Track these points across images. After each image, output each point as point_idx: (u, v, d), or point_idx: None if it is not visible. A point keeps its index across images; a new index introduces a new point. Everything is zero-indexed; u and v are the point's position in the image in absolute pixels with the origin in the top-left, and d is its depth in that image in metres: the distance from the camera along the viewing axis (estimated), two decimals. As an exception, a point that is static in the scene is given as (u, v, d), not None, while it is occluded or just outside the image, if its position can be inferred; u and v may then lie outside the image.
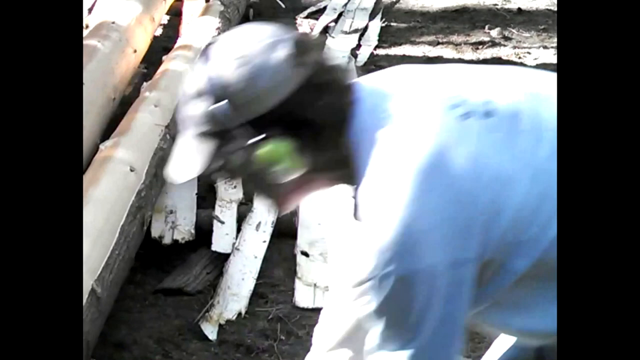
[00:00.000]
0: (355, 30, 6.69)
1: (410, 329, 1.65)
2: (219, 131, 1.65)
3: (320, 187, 1.84)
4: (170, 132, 3.79)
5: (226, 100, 1.62)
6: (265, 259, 3.37)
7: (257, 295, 3.21)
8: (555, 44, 6.37)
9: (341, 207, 1.90)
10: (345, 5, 7.51)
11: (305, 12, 7.46)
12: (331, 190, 1.88)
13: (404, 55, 6.18)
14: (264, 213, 3.62)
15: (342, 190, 1.82)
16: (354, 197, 1.74)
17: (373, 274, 1.60)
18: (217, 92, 1.62)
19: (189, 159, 1.73)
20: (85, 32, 5.29)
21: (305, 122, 1.64)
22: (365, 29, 6.78)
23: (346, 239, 2.00)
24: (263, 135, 1.61)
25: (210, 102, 1.63)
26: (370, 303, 1.64)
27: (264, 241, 3.47)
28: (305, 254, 3.34)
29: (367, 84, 1.76)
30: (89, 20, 6.31)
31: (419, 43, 6.53)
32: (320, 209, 2.09)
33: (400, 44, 6.47)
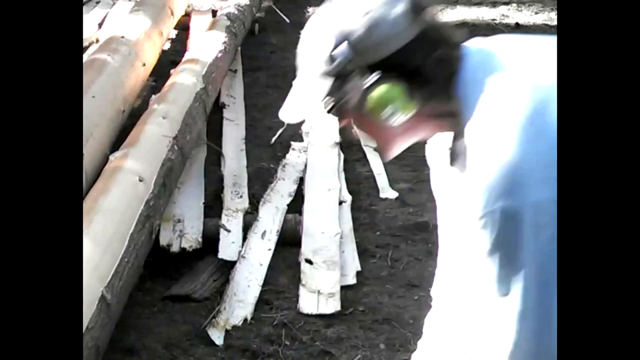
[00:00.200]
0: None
1: (519, 267, 1.75)
2: (338, 73, 1.80)
3: (425, 134, 1.97)
4: (178, 143, 3.81)
5: (347, 44, 1.77)
6: (270, 267, 3.39)
7: (262, 302, 3.22)
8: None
9: (441, 158, 1.98)
10: (348, 20, 7.57)
11: (309, 27, 7.51)
12: (434, 139, 2.04)
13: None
14: (269, 222, 3.65)
15: (442, 140, 1.97)
16: (454, 147, 1.90)
17: (483, 211, 1.71)
18: (340, 37, 1.78)
19: (305, 100, 1.94)
20: (95, 47, 5.33)
21: (416, 71, 1.77)
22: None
23: (448, 191, 2.07)
24: (377, 78, 1.76)
25: (332, 45, 1.79)
26: (482, 244, 1.76)
27: (269, 249, 3.48)
28: (309, 261, 3.35)
29: (474, 43, 1.90)
30: (99, 35, 6.38)
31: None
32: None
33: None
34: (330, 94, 1.86)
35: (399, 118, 1.81)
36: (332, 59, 1.81)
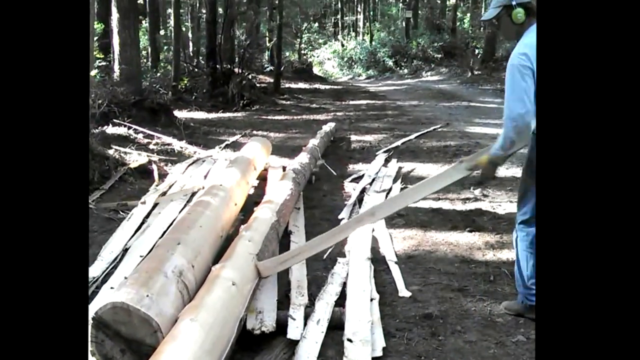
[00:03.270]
0: (384, 190, 6.80)
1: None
2: (505, 5, 3.62)
3: (515, 35, 3.65)
4: (259, 258, 3.88)
5: None
6: (323, 344, 3.40)
7: (317, 368, 3.24)
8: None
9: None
10: (377, 173, 7.69)
11: (350, 178, 7.65)
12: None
13: (416, 207, 6.26)
14: (322, 313, 3.66)
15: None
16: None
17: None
18: None
19: (491, 14, 3.69)
20: (202, 192, 5.47)
21: (528, 9, 3.58)
22: (390, 189, 6.89)
23: None
24: (519, 7, 3.59)
25: None
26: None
27: (322, 332, 3.49)
28: (350, 340, 3.33)
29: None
30: (205, 183, 6.53)
31: (426, 198, 6.59)
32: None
33: (414, 199, 6.55)
34: (500, 11, 3.63)
35: (518, 22, 3.58)
36: (504, 1, 3.63)
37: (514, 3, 3.54)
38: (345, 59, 37.01)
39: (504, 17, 3.63)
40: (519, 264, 3.71)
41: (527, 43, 3.42)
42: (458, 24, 33.10)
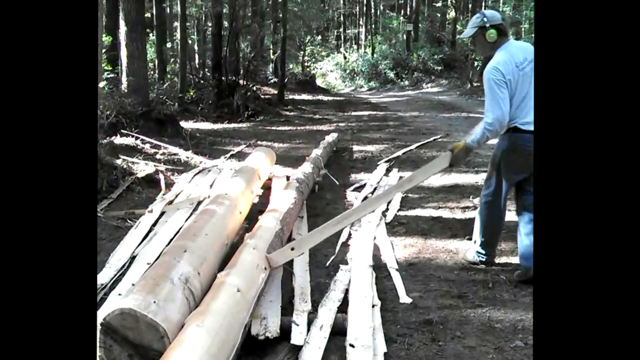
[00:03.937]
0: (385, 199, 6.78)
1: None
2: (480, 26, 4.22)
3: (489, 51, 4.27)
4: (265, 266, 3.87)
5: (486, 19, 4.20)
6: (326, 349, 3.38)
7: (320, 373, 3.23)
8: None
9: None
10: (378, 182, 7.68)
11: (352, 187, 7.63)
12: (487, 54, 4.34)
13: (416, 216, 6.27)
14: (325, 319, 3.66)
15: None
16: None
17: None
18: (484, 17, 4.21)
19: (468, 33, 4.28)
20: (207, 200, 5.47)
21: (499, 30, 4.19)
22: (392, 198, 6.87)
23: None
24: (492, 28, 4.17)
25: (481, 18, 4.21)
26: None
27: (325, 337, 3.48)
28: (352, 345, 3.32)
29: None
30: (210, 192, 6.53)
31: (426, 207, 6.62)
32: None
33: (415, 208, 6.56)
34: (476, 31, 4.23)
35: (491, 41, 4.18)
36: (480, 21, 4.21)
37: (487, 25, 4.23)
38: (348, 71, 37.08)
39: (479, 36, 4.30)
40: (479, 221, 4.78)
41: (499, 60, 4.15)
42: (457, 36, 33.18)
